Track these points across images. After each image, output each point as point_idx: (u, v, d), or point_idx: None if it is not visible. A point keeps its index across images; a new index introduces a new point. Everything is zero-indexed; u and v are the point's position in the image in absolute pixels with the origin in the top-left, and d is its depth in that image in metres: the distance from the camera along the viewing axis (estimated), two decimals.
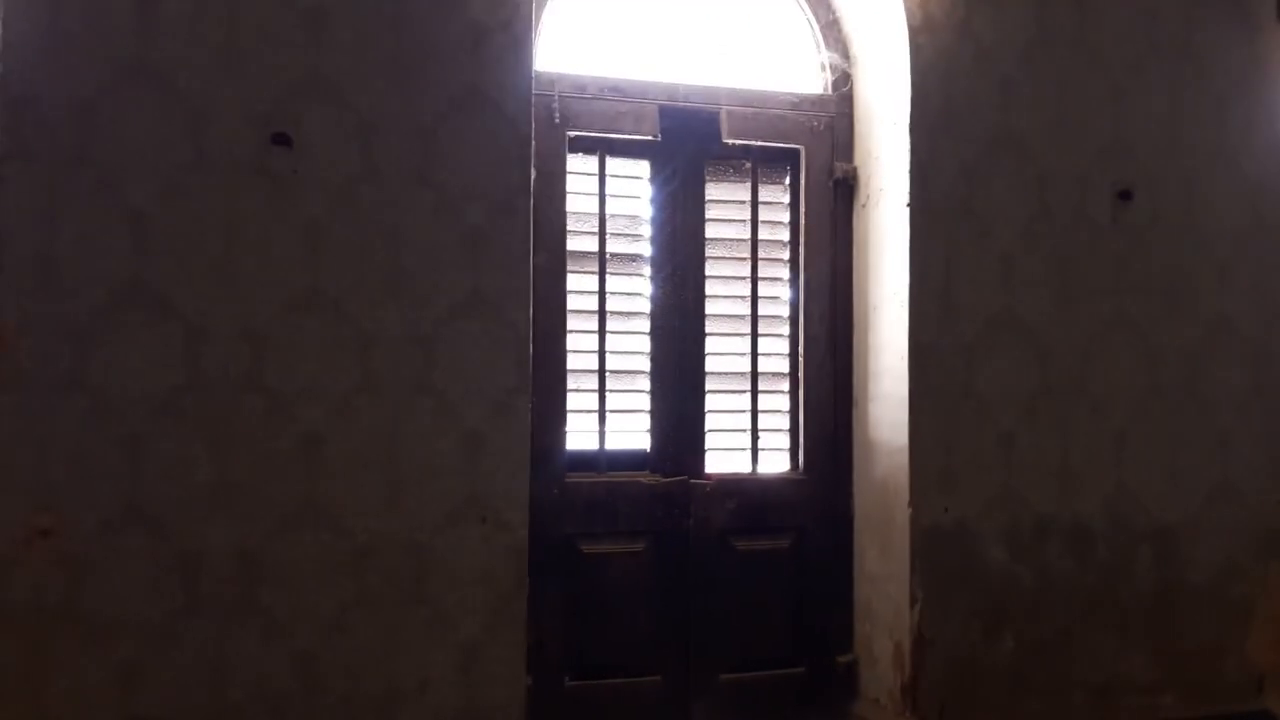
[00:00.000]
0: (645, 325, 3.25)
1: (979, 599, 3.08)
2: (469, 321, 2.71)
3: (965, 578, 3.08)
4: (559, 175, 3.12)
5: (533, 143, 2.84)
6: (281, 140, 2.61)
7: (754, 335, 3.35)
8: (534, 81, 3.00)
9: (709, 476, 3.27)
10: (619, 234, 3.25)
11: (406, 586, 2.64)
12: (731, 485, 3.28)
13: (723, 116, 3.28)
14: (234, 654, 2.52)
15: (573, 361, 3.18)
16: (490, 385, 2.72)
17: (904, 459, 3.04)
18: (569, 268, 3.17)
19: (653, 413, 3.24)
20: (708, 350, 3.31)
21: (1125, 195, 3.24)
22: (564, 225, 3.15)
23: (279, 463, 2.56)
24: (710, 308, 3.32)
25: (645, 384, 3.25)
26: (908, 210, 3.07)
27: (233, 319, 2.56)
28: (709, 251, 3.32)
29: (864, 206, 3.32)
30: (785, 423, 3.38)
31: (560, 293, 3.13)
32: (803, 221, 3.36)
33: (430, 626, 2.65)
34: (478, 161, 2.74)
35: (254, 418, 2.56)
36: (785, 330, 3.39)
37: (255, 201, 2.59)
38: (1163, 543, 3.28)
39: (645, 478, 3.21)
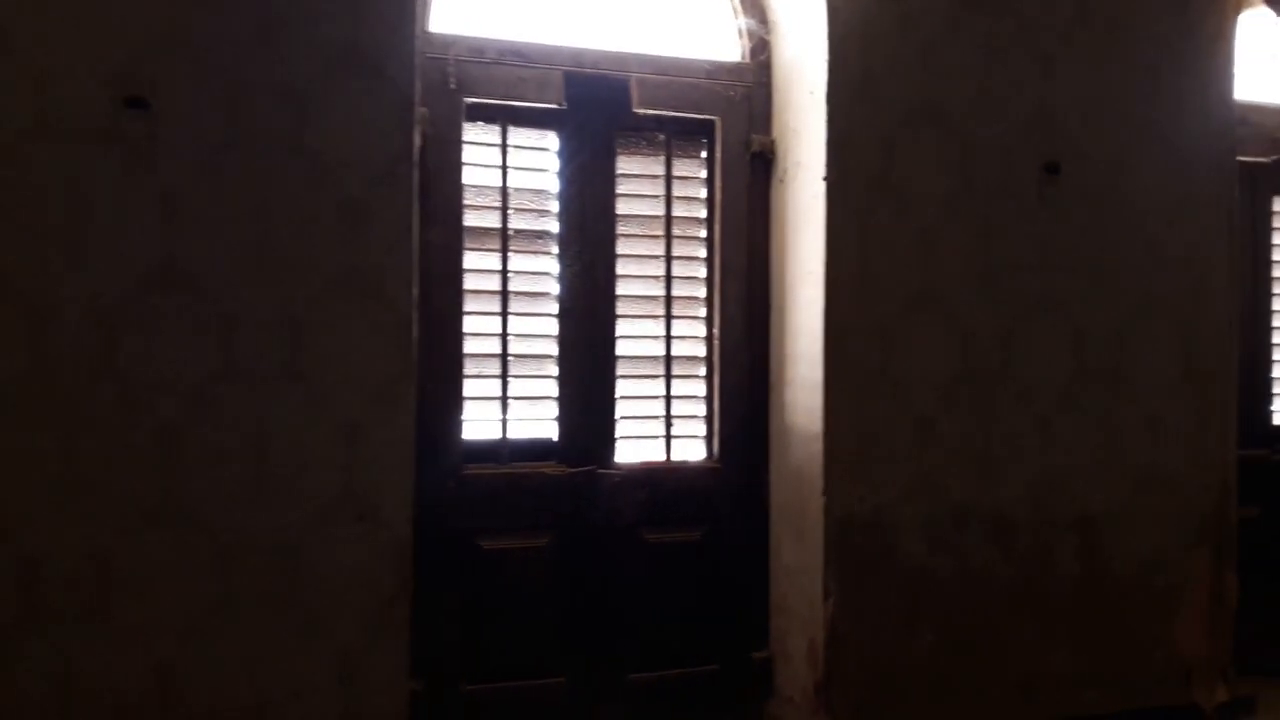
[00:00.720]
0: (552, 307, 3.07)
1: (896, 592, 2.95)
2: (345, 302, 2.51)
3: (882, 570, 2.94)
4: (454, 144, 2.92)
5: (418, 107, 2.64)
6: (136, 104, 2.38)
7: (668, 317, 3.17)
8: (427, 44, 2.80)
9: (619, 466, 3.10)
10: (523, 209, 3.05)
11: (276, 590, 2.45)
12: (643, 475, 3.11)
13: (633, 85, 3.09)
14: (82, 668, 2.31)
15: (472, 345, 2.98)
16: (369, 371, 2.52)
17: (819, 446, 2.89)
18: (467, 244, 2.97)
19: (560, 399, 3.06)
20: (619, 333, 3.13)
21: (1052, 169, 3.10)
22: (461, 198, 2.94)
23: (132, 456, 2.35)
24: (622, 288, 3.14)
25: (552, 369, 3.07)
26: (824, 184, 2.91)
27: (80, 298, 2.33)
28: (621, 229, 3.14)
29: (781, 181, 3.15)
30: (701, 409, 3.22)
31: (457, 271, 2.93)
32: (719, 197, 3.19)
33: (303, 633, 2.46)
34: (356, 127, 2.53)
35: (105, 407, 2.34)
36: (701, 312, 3.22)
37: (106, 170, 2.36)
38: (1089, 532, 3.16)
39: (550, 469, 3.03)
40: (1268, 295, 3.85)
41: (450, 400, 2.92)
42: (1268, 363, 3.86)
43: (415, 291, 2.61)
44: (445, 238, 2.91)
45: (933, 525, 2.99)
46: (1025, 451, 3.08)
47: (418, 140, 2.65)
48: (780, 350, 3.14)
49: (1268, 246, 3.86)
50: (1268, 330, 3.85)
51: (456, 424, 2.93)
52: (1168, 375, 3.27)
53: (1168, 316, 3.27)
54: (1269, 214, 3.87)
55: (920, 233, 2.98)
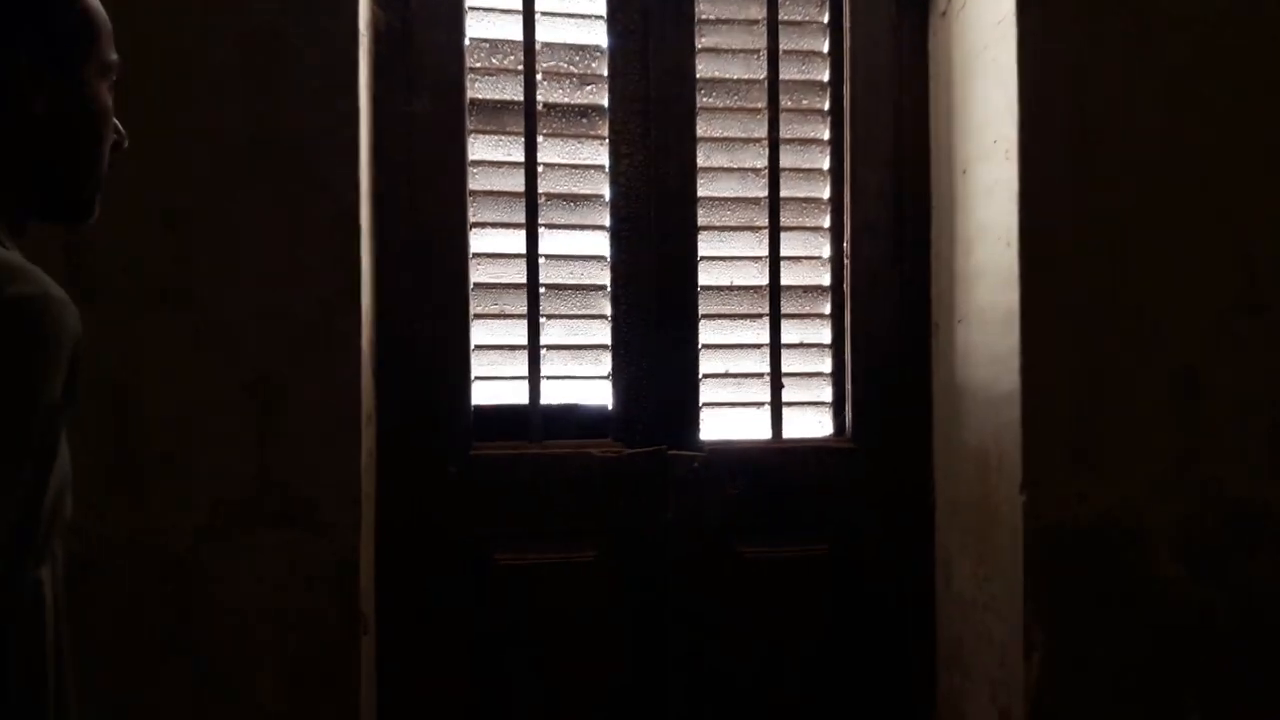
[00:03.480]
0: (603, 216, 2.11)
1: (1141, 642, 1.85)
2: (250, 185, 1.61)
3: (1117, 606, 1.85)
4: None
5: None
6: None
7: (774, 229, 2.16)
8: None
9: (702, 446, 2.11)
10: (558, 73, 2.10)
11: (154, 625, 1.58)
12: (738, 459, 2.11)
13: None
14: None
15: (484, 271, 2.07)
16: (292, 296, 1.62)
17: (1014, 413, 1.82)
18: (474, 125, 2.05)
19: (615, 349, 2.11)
20: (703, 253, 2.14)
21: None
22: (462, 58, 2.02)
23: None
24: (706, 187, 2.15)
25: (604, 305, 2.11)
26: (1015, 8, 1.82)
27: None
28: (703, 99, 2.15)
29: (944, 15, 2.09)
30: (825, 362, 2.19)
31: (459, 163, 2.01)
32: (848, 45, 2.15)
33: (197, 692, 1.59)
34: None
35: None
36: (824, 221, 2.20)
37: None
38: None
39: (601, 448, 2.07)
40: None
41: (450, 348, 2.00)
42: None
43: (367, 174, 1.70)
44: (439, 112, 1.99)
45: (1199, 536, 1.87)
46: None
47: None
48: (948, 269, 2.08)
49: None
50: None
51: (461, 383, 2.01)
52: None
53: None
54: None
55: (1172, 72, 1.86)
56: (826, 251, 2.20)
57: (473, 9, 2.05)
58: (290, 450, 1.62)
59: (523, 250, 2.07)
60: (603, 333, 2.11)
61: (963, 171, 2.01)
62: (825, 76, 2.19)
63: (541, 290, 2.08)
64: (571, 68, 2.11)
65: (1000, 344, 1.86)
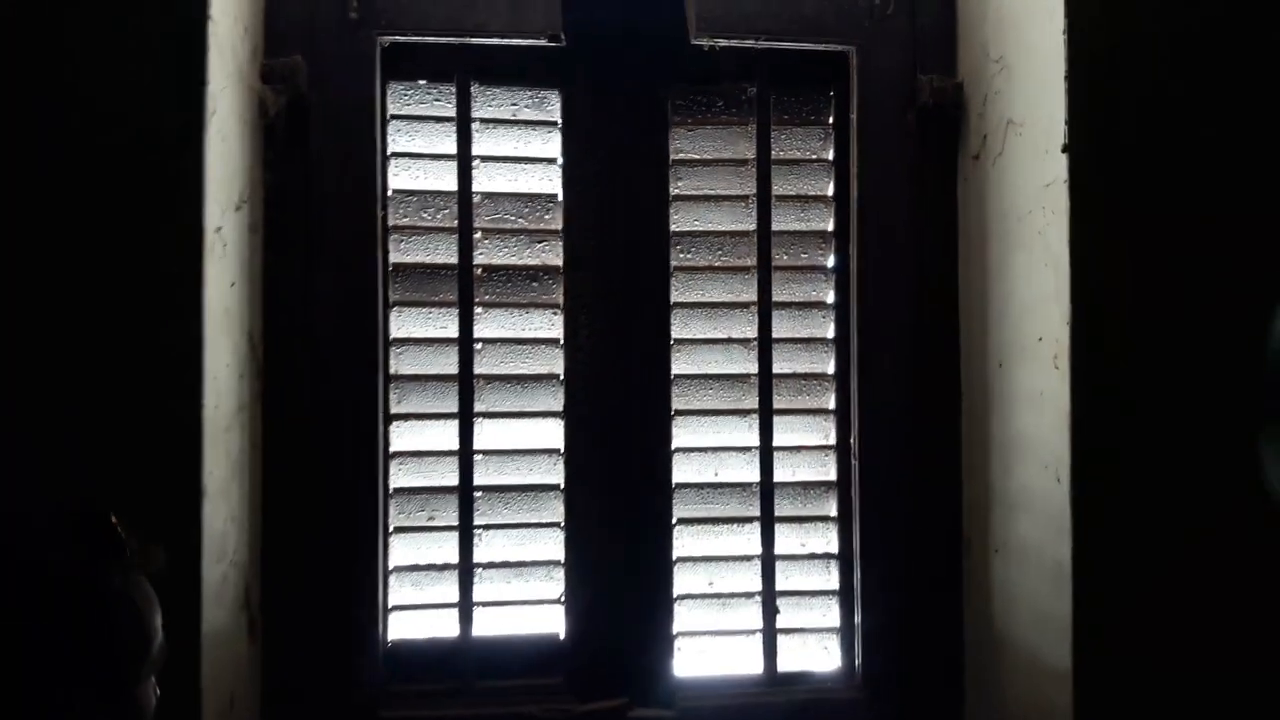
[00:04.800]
0: (555, 401, 1.73)
1: None
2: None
3: None
4: (362, 118, 1.63)
5: (244, 43, 1.36)
6: None
7: (765, 413, 1.76)
8: None
9: (675, 699, 1.69)
10: (503, 230, 1.73)
11: None
12: (723, 712, 1.70)
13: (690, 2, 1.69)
14: None
15: (405, 472, 1.69)
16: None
17: (1066, 700, 1.38)
18: (397, 295, 1.68)
19: (569, 565, 1.71)
20: (678, 444, 1.75)
21: None
22: (377, 217, 1.65)
23: None
24: (682, 362, 1.76)
25: (555, 509, 1.72)
26: (1066, 160, 1.40)
27: None
28: (679, 257, 1.76)
29: (978, 159, 1.67)
30: (830, 575, 1.78)
31: (370, 338, 1.64)
32: (856, 194, 1.75)
33: None
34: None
35: None
36: (828, 401, 1.79)
37: None
38: None
39: (543, 706, 1.66)
40: None
41: (355, 572, 1.62)
42: None
43: (247, 371, 1.34)
44: (348, 281, 1.63)
45: None
46: None
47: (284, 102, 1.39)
48: (980, 479, 1.66)
49: None
50: None
51: (369, 613, 1.63)
52: None
53: None
54: None
55: None
56: (828, 438, 1.79)
57: (395, 155, 1.69)
58: None
59: (454, 446, 1.69)
60: (555, 544, 1.72)
61: (999, 365, 1.59)
62: (828, 225, 1.79)
63: (475, 493, 1.70)
64: (519, 222, 1.74)
65: (1049, 603, 1.43)
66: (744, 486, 1.77)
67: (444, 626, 1.69)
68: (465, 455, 1.69)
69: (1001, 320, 1.58)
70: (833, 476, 1.78)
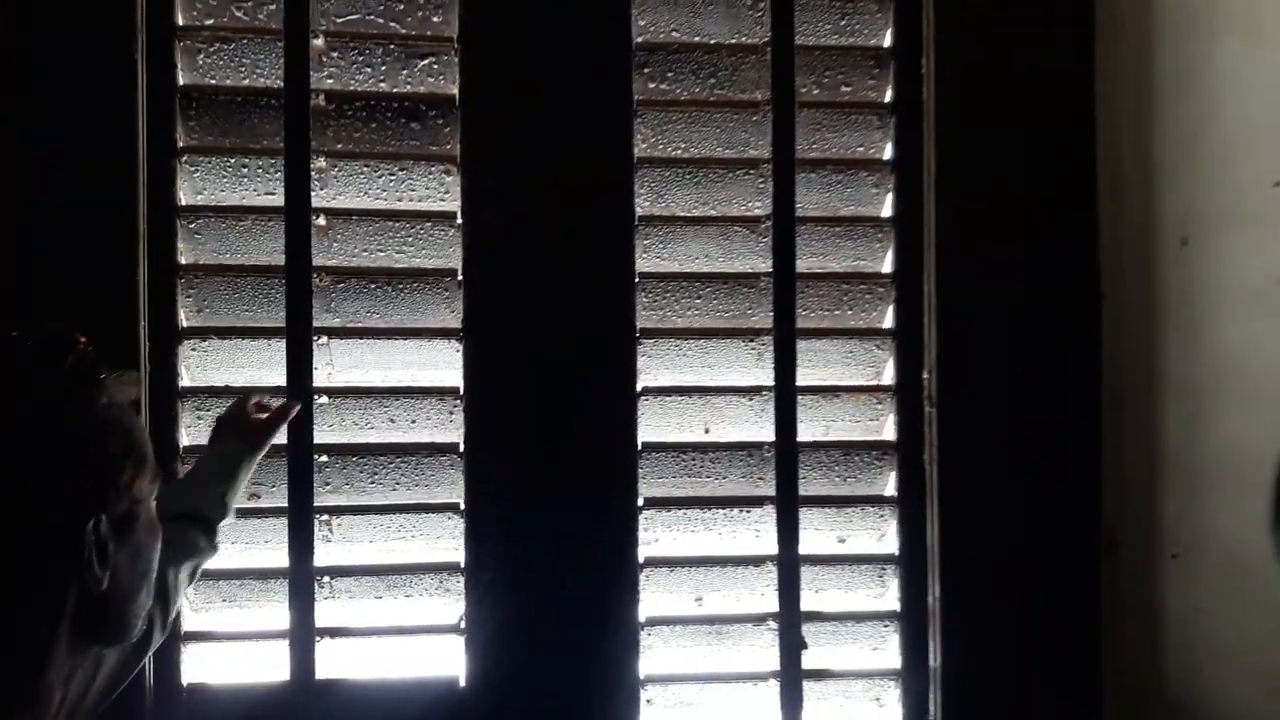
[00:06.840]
0: (450, 311, 1.08)
1: None
2: None
3: None
4: None
5: None
6: None
7: (782, 334, 1.10)
8: None
9: None
10: (357, 35, 1.07)
11: None
12: None
13: None
14: None
15: (204, 423, 1.05)
16: None
17: None
18: (186, 138, 1.03)
19: (471, 575, 1.07)
20: (644, 383, 1.11)
21: None
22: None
23: None
24: (650, 256, 1.10)
25: (449, 487, 1.09)
26: None
27: None
28: (645, 87, 1.10)
29: None
30: (885, 590, 1.13)
31: (129, 212, 1.00)
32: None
33: None
34: None
35: None
36: (884, 316, 1.13)
37: None
38: None
39: None
40: None
41: None
42: None
43: None
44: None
45: None
46: None
47: None
48: (1140, 440, 0.99)
49: None
50: None
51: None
52: None
53: None
54: None
55: None
56: (889, 374, 1.13)
57: None
58: None
59: (283, 380, 1.05)
60: (450, 540, 1.10)
61: (1181, 241, 0.92)
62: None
63: (321, 459, 1.06)
64: (389, 25, 1.08)
65: None
66: (749, 450, 1.12)
67: (268, 665, 1.06)
68: (299, 395, 1.05)
69: (1188, 161, 0.90)
70: (891, 435, 1.13)
